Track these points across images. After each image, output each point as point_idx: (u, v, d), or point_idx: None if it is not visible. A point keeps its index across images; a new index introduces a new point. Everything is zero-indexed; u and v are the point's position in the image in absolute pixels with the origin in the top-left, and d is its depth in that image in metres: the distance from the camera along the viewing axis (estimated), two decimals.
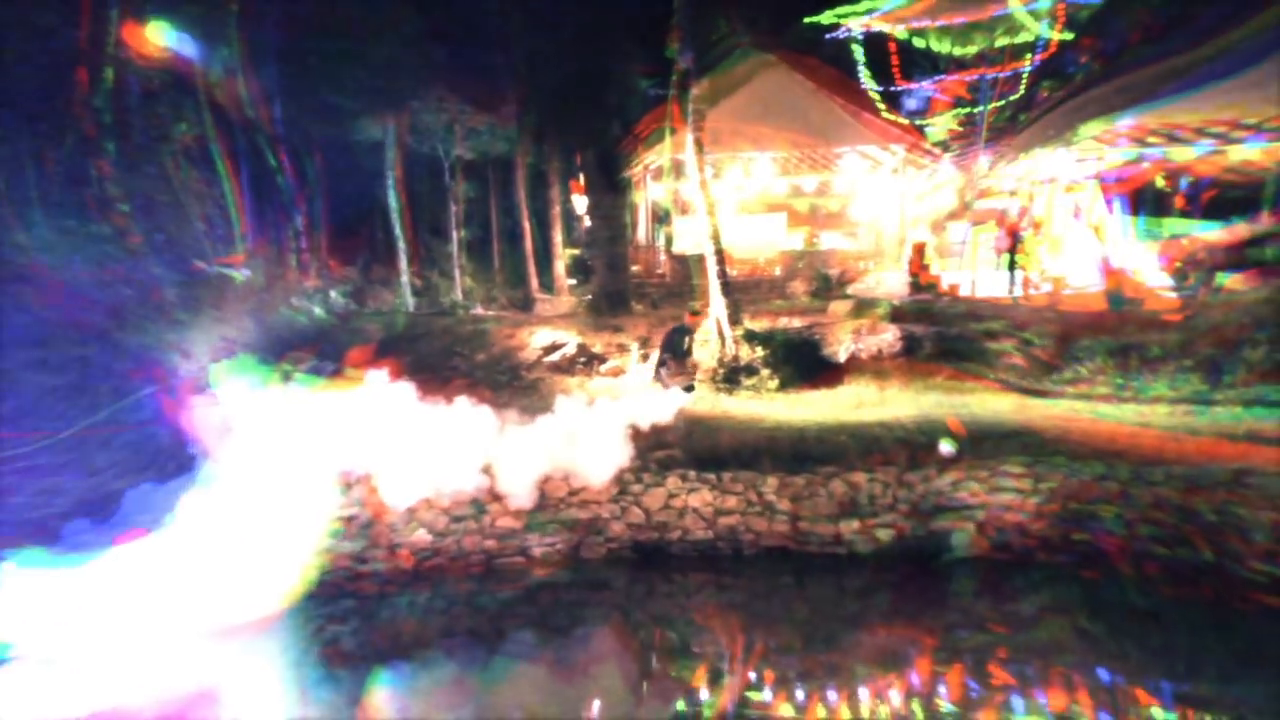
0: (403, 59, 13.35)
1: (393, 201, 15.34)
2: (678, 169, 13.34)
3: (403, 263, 15.96)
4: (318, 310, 13.85)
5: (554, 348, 12.80)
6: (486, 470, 7.91)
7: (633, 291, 16.84)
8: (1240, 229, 14.74)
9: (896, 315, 12.94)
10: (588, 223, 19.79)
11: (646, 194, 19.79)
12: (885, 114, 18.57)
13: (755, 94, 17.66)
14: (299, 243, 14.86)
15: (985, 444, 8.18)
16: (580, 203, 21.46)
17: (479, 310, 16.99)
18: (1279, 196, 15.79)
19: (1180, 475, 7.17)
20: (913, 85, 19.48)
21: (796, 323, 13.21)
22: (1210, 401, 9.28)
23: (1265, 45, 14.36)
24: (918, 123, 19.28)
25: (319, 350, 10.21)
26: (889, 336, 12.05)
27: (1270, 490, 6.72)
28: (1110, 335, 11.09)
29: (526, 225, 18.21)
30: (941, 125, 19.30)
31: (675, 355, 9.22)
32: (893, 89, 19.20)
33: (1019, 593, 7.06)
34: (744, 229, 19.25)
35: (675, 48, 11.67)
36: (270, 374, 8.41)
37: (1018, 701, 5.55)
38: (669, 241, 19.62)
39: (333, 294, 15.22)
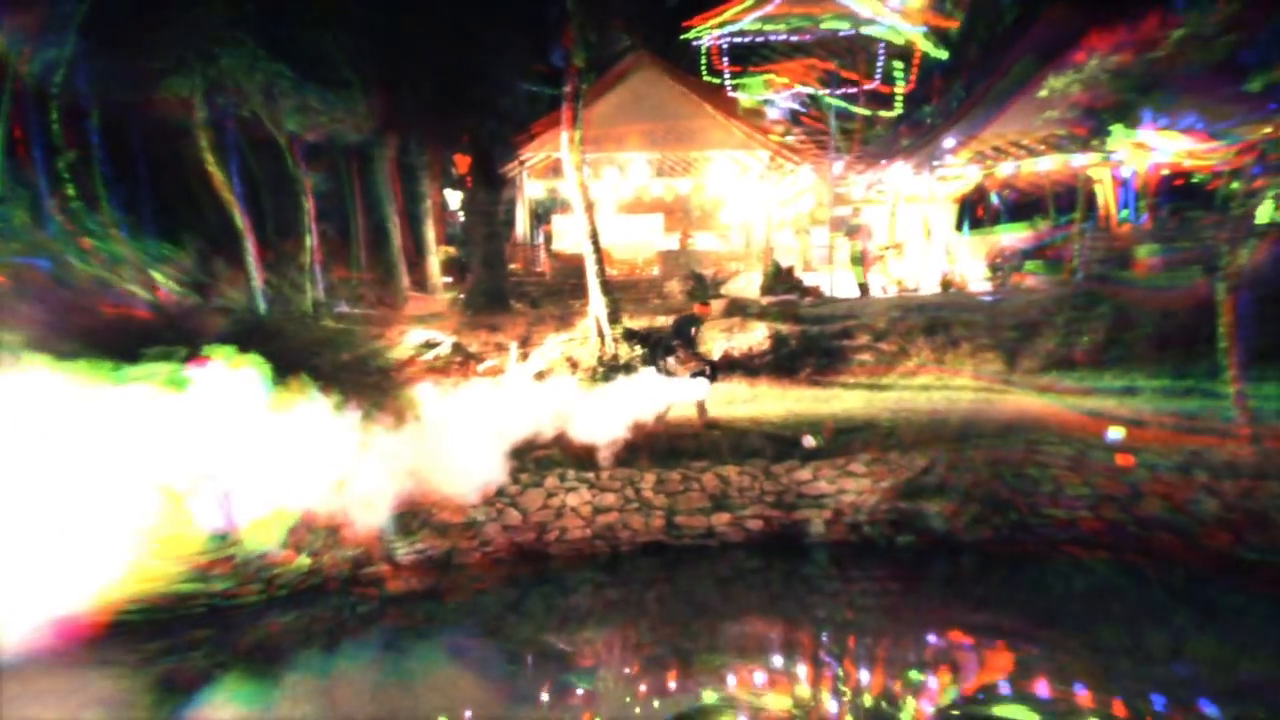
0: (211, 10, 12.07)
1: (221, 179, 13.51)
2: (557, 168, 13.33)
3: (248, 253, 14.24)
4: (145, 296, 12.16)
5: (428, 347, 12.40)
6: (347, 478, 7.37)
7: (512, 290, 16.60)
8: (1039, 229, 17.03)
9: (764, 314, 13.67)
10: (463, 219, 19.28)
11: (525, 191, 19.57)
12: (751, 120, 19.53)
13: (630, 97, 18.00)
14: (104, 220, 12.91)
15: (840, 436, 8.88)
16: (455, 198, 20.85)
17: (345, 309, 16.04)
18: (1057, 205, 18.41)
19: (987, 453, 8.32)
20: (772, 94, 20.62)
21: (671, 321, 13.61)
22: (1009, 383, 10.63)
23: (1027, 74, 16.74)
24: (780, 130, 20.40)
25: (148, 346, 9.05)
26: (759, 335, 12.69)
27: (1055, 460, 8.06)
28: (937, 331, 12.36)
29: (396, 219, 17.40)
30: (801, 133, 20.54)
31: (685, 344, 9.40)
32: (757, 97, 20.26)
33: (866, 570, 7.76)
34: (623, 229, 19.56)
35: (567, 48, 11.61)
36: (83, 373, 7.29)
37: (866, 667, 6.11)
38: (549, 240, 19.52)
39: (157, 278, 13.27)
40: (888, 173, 18.83)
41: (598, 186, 17.84)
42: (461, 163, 17.47)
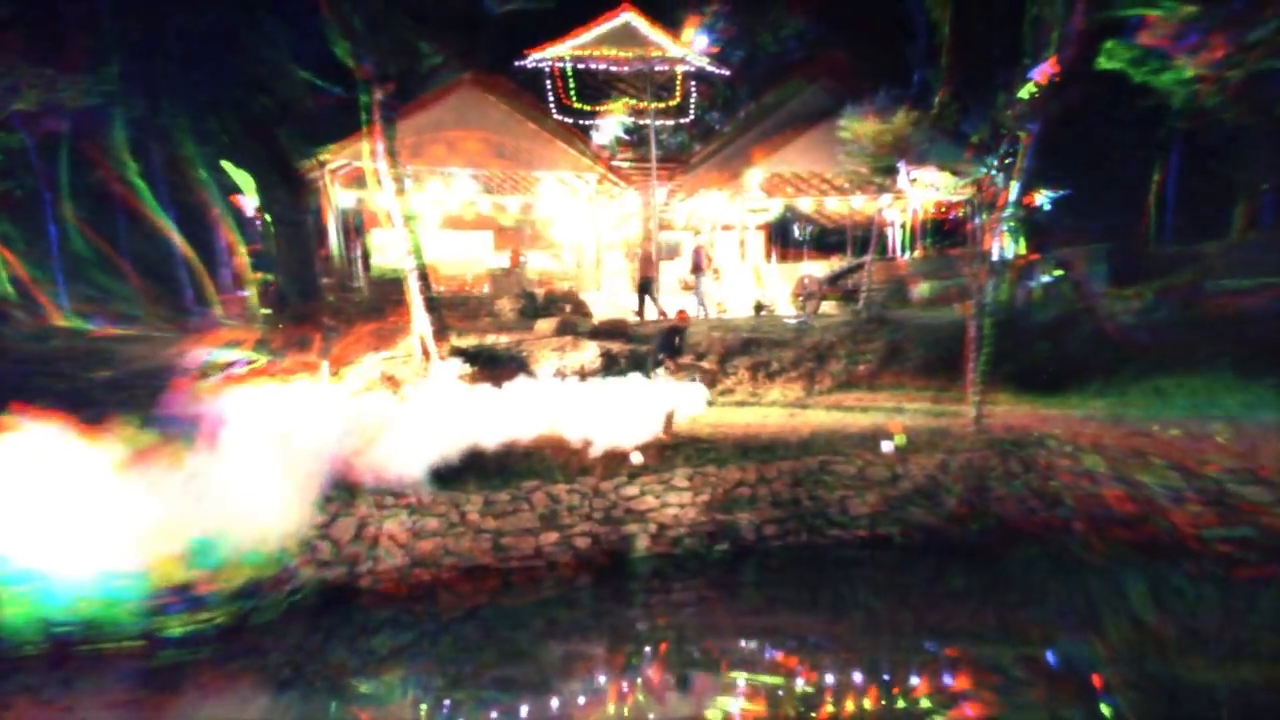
0: None
1: None
2: (372, 177, 12.68)
3: None
4: None
5: (215, 368, 11.16)
6: (110, 523, 6.43)
7: (324, 305, 15.46)
8: (834, 264, 19.19)
9: (595, 333, 14.00)
10: (265, 229, 17.62)
11: (336, 202, 18.35)
12: (579, 144, 20.07)
13: (454, 113, 17.78)
14: None
15: (665, 453, 9.34)
16: (250, 204, 18.99)
17: (109, 328, 13.87)
18: (855, 239, 20.93)
19: (790, 465, 9.21)
20: (595, 120, 21.40)
21: (504, 340, 13.49)
22: (805, 405, 11.86)
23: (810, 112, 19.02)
24: (606, 154, 21.15)
25: None
26: (590, 354, 12.96)
27: (842, 475, 9.13)
28: (750, 352, 13.49)
29: (174, 225, 15.44)
30: (624, 158, 21.45)
31: (671, 354, 9.53)
32: (580, 121, 20.92)
33: (686, 580, 8.21)
34: (450, 245, 19.06)
35: (349, 47, 11.08)
36: None
37: (682, 673, 6.46)
38: (365, 253, 18.46)
39: None
40: (704, 201, 20.20)
41: (420, 200, 17.26)
42: (252, 164, 15.88)
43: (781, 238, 24.62)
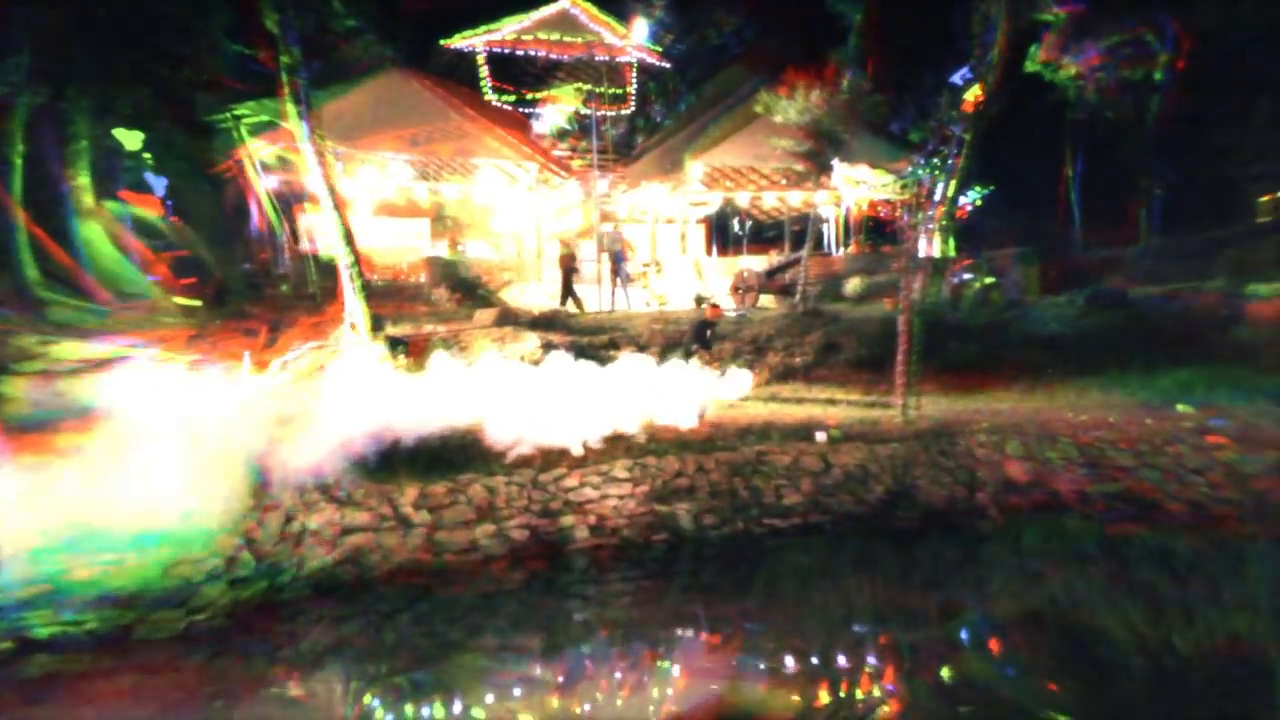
0: None
1: None
2: (296, 156, 12.05)
3: None
4: None
5: (111, 358, 10.53)
6: None
7: (250, 292, 14.76)
8: (772, 258, 19.58)
9: (536, 324, 13.87)
10: (179, 206, 16.61)
11: (260, 182, 17.52)
12: (519, 132, 19.80)
13: (387, 97, 17.29)
14: None
15: (605, 444, 9.35)
16: (159, 184, 17.85)
17: None
18: (792, 234, 21.36)
19: (727, 456, 9.39)
20: (533, 107, 21.15)
21: (441, 329, 13.22)
22: (745, 397, 12.10)
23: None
24: (548, 144, 20.93)
25: None
26: (531, 345, 12.83)
27: (778, 466, 9.37)
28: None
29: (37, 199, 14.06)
30: (566, 148, 21.29)
31: (703, 345, 9.82)
32: (522, 109, 20.63)
33: (623, 571, 8.24)
34: (384, 232, 18.49)
35: (274, 19, 10.56)
36: None
37: (617, 663, 6.50)
38: (295, 238, 17.71)
39: None
40: (646, 193, 20.25)
41: (353, 185, 16.69)
42: (156, 138, 14.75)
43: (721, 232, 24.92)
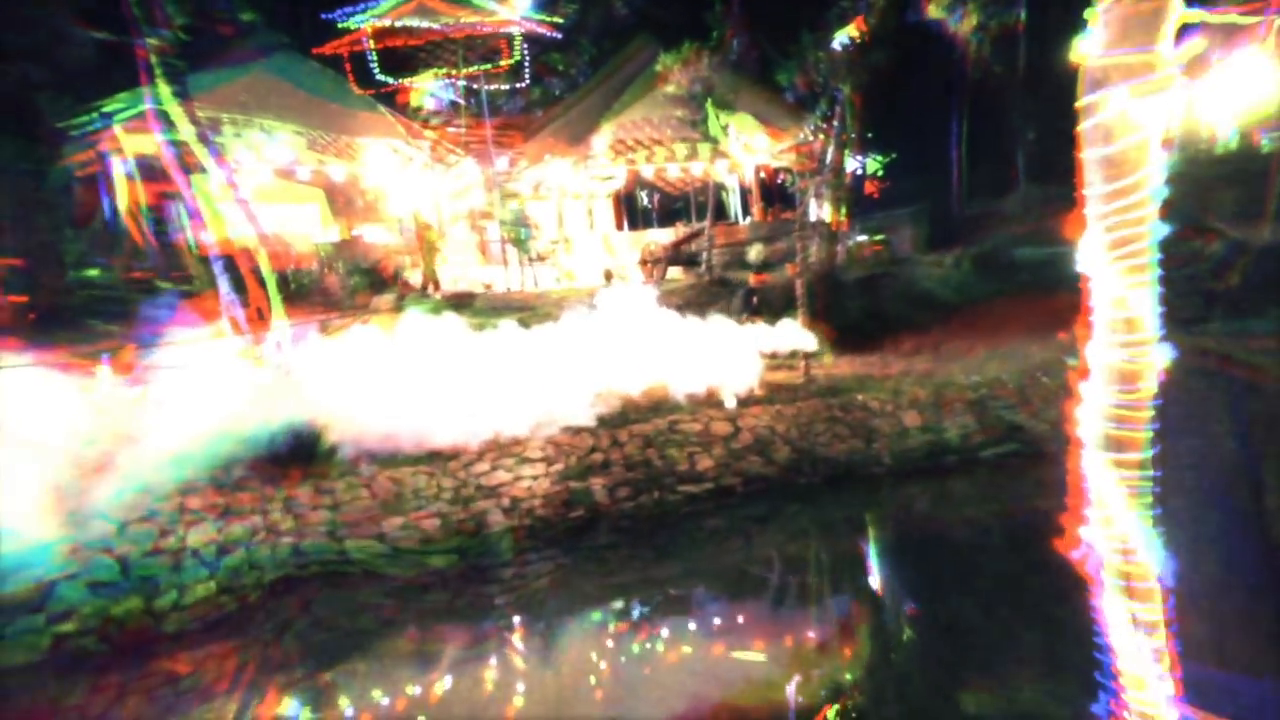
0: None
1: None
2: (164, 135, 10.91)
3: None
4: None
5: None
6: None
7: (110, 287, 13.46)
8: (679, 230, 19.74)
9: (438, 308, 13.39)
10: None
11: (125, 177, 15.98)
12: (410, 110, 18.96)
13: (269, 78, 16.14)
14: None
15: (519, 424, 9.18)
16: None
17: None
18: (698, 205, 21.61)
19: (640, 431, 9.45)
20: (416, 85, 20.29)
21: (337, 319, 12.58)
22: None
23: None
24: (440, 122, 20.15)
25: None
26: (433, 328, 12.36)
27: (689, 434, 9.50)
28: None
29: None
30: (460, 124, 20.55)
31: (749, 311, 11.46)
32: (411, 85, 19.73)
33: (541, 550, 8.19)
34: (274, 219, 17.29)
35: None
36: None
37: (532, 649, 6.47)
38: (159, 225, 16.24)
39: None
40: (550, 169, 19.87)
41: (237, 169, 15.47)
42: None
43: (629, 207, 24.84)
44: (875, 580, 7.48)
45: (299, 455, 8.04)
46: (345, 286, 15.12)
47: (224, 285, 10.31)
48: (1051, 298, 12.90)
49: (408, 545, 7.86)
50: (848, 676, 5.50)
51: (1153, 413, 1.64)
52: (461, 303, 14.06)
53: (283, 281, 15.24)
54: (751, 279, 13.19)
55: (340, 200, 19.29)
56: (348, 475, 8.18)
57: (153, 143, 14.73)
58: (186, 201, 9.91)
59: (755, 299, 12.38)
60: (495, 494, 8.57)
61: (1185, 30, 1.52)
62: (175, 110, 10.10)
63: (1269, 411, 8.85)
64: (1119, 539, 1.82)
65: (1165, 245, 1.56)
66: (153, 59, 9.86)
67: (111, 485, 6.54)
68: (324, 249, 17.32)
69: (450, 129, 19.98)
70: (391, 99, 19.22)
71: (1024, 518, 7.90)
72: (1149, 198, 1.52)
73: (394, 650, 6.42)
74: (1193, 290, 11.65)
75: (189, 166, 10.42)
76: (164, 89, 10.00)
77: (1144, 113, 1.50)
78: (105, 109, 14.50)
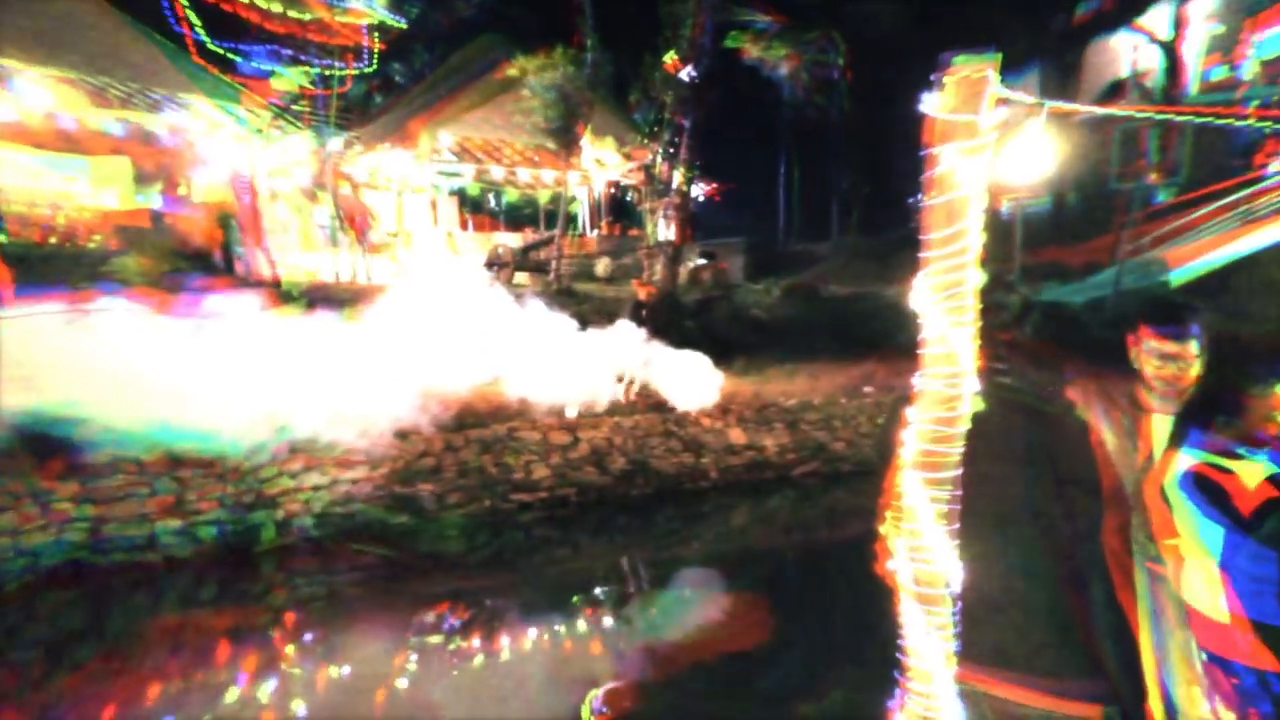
0: None
1: None
2: None
3: None
4: None
5: None
6: None
7: None
8: (527, 235, 19.57)
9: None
10: None
11: None
12: (231, 72, 17.05)
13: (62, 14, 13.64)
14: None
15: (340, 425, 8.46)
16: None
17: None
18: (546, 212, 21.62)
19: (477, 436, 9.17)
20: (253, 45, 18.45)
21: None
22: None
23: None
24: (275, 91, 18.35)
25: None
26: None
27: (527, 442, 9.42)
28: None
29: None
30: (289, 95, 18.88)
31: (637, 323, 10.88)
32: (235, 45, 17.79)
33: (353, 559, 7.57)
34: (13, 169, 14.36)
35: None
36: None
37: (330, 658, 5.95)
38: None
39: None
40: (387, 157, 18.78)
41: None
42: None
43: (476, 206, 24.15)
44: (693, 589, 7.71)
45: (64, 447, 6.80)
46: (139, 272, 13.01)
47: None
48: (856, 330, 14.63)
49: (184, 552, 6.93)
50: (657, 685, 5.60)
51: (964, 438, 1.84)
52: (282, 292, 12.79)
53: (45, 259, 12.79)
54: (641, 293, 13.14)
55: (127, 157, 16.62)
56: (121, 472, 7.02)
57: None
58: None
59: (644, 312, 12.22)
60: (302, 498, 7.84)
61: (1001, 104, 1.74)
62: None
63: (1056, 440, 10.49)
64: (922, 551, 2.00)
65: (980, 293, 1.77)
66: None
67: None
68: (109, 217, 14.91)
69: (282, 101, 18.20)
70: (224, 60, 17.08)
71: (836, 530, 8.69)
72: (968, 248, 1.72)
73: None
74: (995, 340, 13.55)
75: None
76: None
77: (967, 170, 1.70)
78: None
